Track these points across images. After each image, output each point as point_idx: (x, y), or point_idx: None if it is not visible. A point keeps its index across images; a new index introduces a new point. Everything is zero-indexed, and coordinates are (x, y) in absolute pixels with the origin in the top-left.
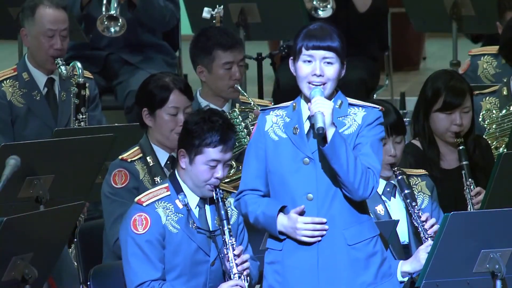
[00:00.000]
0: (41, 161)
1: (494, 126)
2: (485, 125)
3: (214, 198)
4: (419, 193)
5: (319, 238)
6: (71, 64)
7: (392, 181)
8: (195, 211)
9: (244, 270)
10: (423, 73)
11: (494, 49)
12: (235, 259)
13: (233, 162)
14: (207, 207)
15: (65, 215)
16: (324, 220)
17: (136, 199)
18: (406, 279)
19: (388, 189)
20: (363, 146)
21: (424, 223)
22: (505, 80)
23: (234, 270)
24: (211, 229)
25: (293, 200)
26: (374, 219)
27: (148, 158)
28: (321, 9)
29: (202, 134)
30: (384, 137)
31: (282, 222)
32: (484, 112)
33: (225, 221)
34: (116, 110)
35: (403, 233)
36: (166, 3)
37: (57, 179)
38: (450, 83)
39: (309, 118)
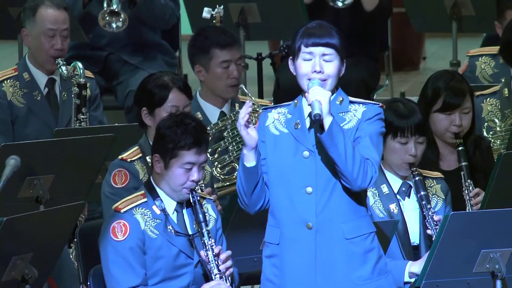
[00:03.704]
0: (41, 161)
1: (498, 142)
2: (489, 138)
3: (191, 201)
4: (434, 196)
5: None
6: (72, 64)
7: (408, 181)
8: (173, 216)
9: (227, 269)
10: (423, 73)
11: (492, 49)
12: (215, 260)
13: (236, 164)
14: (184, 211)
15: (65, 215)
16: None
17: (113, 207)
18: (412, 280)
19: (404, 189)
20: (362, 139)
21: (437, 226)
22: (503, 80)
23: (215, 271)
24: (190, 233)
25: (292, 194)
26: (387, 218)
27: (147, 158)
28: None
29: (175, 137)
30: (383, 132)
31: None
32: (486, 124)
33: (203, 223)
34: (116, 110)
35: (414, 234)
36: (167, 1)
37: (57, 179)
38: (450, 83)
39: (310, 114)
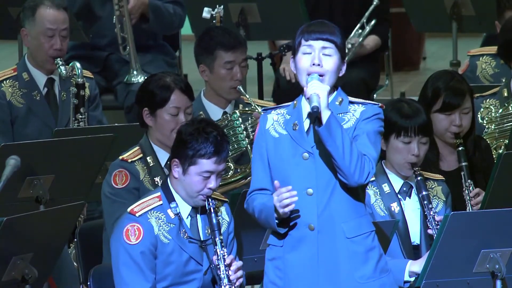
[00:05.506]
0: (41, 161)
1: (493, 126)
2: (484, 123)
3: (207, 208)
4: (434, 197)
5: (291, 206)
6: (70, 64)
7: (410, 182)
8: (187, 221)
9: (237, 279)
10: (423, 73)
11: (493, 49)
12: (226, 270)
13: (231, 164)
14: (198, 216)
15: (65, 215)
16: (289, 187)
17: (128, 209)
18: (412, 279)
19: (405, 189)
20: (359, 137)
21: (439, 226)
22: (504, 80)
23: (225, 281)
24: (202, 239)
25: None
26: (388, 216)
27: (148, 158)
28: None
29: (196, 145)
30: (382, 132)
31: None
32: (482, 109)
33: (216, 232)
34: (116, 110)
35: (414, 234)
36: (175, 7)
37: (57, 179)
38: (450, 83)
39: (308, 114)
